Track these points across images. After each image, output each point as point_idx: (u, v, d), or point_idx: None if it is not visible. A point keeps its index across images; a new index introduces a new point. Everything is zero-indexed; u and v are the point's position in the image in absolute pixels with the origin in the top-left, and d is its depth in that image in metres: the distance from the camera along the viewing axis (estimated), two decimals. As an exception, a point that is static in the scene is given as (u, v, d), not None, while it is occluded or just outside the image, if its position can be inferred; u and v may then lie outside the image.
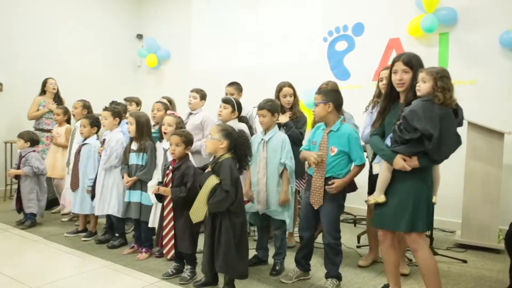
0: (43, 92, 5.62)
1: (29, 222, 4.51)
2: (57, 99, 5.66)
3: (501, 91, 4.50)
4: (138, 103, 4.87)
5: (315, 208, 2.93)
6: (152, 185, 3.37)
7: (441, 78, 2.32)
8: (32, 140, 4.63)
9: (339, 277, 3.01)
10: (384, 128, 2.62)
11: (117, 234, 3.97)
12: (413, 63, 2.51)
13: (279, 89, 3.88)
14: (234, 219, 2.75)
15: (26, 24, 6.29)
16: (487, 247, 3.88)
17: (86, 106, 4.64)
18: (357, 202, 4.99)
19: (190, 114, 4.27)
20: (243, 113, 3.81)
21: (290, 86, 3.88)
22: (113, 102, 4.74)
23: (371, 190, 2.77)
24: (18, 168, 4.55)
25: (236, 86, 4.20)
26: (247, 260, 2.91)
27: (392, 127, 2.49)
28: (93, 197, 4.03)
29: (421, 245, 2.47)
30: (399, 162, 2.41)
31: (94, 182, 4.01)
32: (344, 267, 3.42)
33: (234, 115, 3.53)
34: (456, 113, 2.38)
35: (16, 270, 3.28)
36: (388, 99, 2.64)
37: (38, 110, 5.50)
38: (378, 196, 2.52)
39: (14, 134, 5.10)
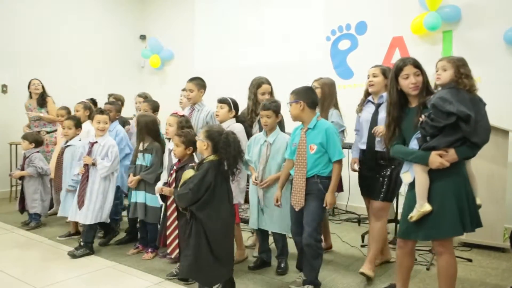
0: (30, 94, 5.52)
1: (34, 223, 4.53)
2: (40, 99, 5.47)
3: (506, 88, 4.47)
4: (123, 102, 4.84)
5: (296, 210, 2.85)
6: (158, 187, 3.36)
7: (463, 66, 2.31)
8: (36, 141, 4.66)
9: (316, 284, 2.87)
10: (403, 135, 2.49)
11: (82, 243, 3.72)
12: (420, 65, 2.47)
13: (257, 86, 3.69)
14: (207, 224, 2.56)
15: (29, 25, 6.33)
16: (492, 245, 3.85)
17: (87, 107, 4.63)
18: (361, 202, 4.98)
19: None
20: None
21: (269, 83, 3.73)
22: (109, 103, 4.76)
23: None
24: (22, 169, 4.58)
25: (196, 81, 3.82)
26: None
27: (411, 132, 2.40)
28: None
29: (448, 249, 2.35)
30: (436, 159, 2.23)
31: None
32: (349, 266, 3.44)
33: (231, 114, 3.49)
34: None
35: (22, 271, 3.29)
36: (399, 107, 2.51)
37: (27, 113, 5.46)
38: (422, 206, 2.28)
39: (18, 135, 5.12)
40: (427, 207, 2.28)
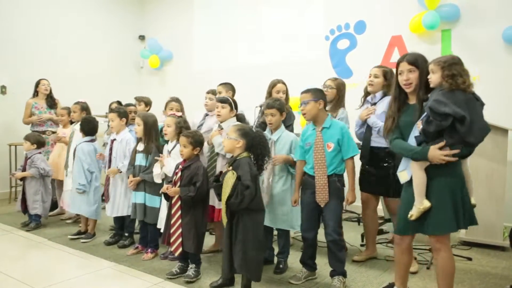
0: (35, 93, 5.50)
1: (33, 224, 4.53)
2: (50, 100, 5.52)
3: (505, 87, 4.48)
4: (148, 103, 4.83)
5: (322, 206, 2.92)
6: (157, 173, 3.45)
7: (449, 66, 2.28)
8: (38, 142, 4.65)
9: (344, 274, 3.00)
10: (401, 131, 2.51)
11: (126, 234, 4.00)
12: (418, 61, 2.47)
13: (272, 85, 3.91)
14: (253, 216, 2.74)
15: (28, 26, 6.33)
16: (492, 244, 3.86)
17: (84, 108, 4.63)
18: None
19: (207, 115, 4.26)
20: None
21: (284, 83, 3.92)
22: (117, 102, 4.73)
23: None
24: (24, 169, 4.57)
25: (230, 86, 4.16)
26: (262, 261, 2.88)
27: (409, 128, 2.43)
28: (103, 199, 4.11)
29: (445, 246, 2.37)
30: (436, 152, 2.25)
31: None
32: (349, 266, 3.42)
33: (232, 114, 3.50)
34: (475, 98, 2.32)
35: (21, 272, 3.29)
36: (398, 101, 2.55)
37: (31, 112, 5.40)
38: (421, 203, 2.31)
39: (17, 136, 5.11)
40: (427, 204, 2.30)
